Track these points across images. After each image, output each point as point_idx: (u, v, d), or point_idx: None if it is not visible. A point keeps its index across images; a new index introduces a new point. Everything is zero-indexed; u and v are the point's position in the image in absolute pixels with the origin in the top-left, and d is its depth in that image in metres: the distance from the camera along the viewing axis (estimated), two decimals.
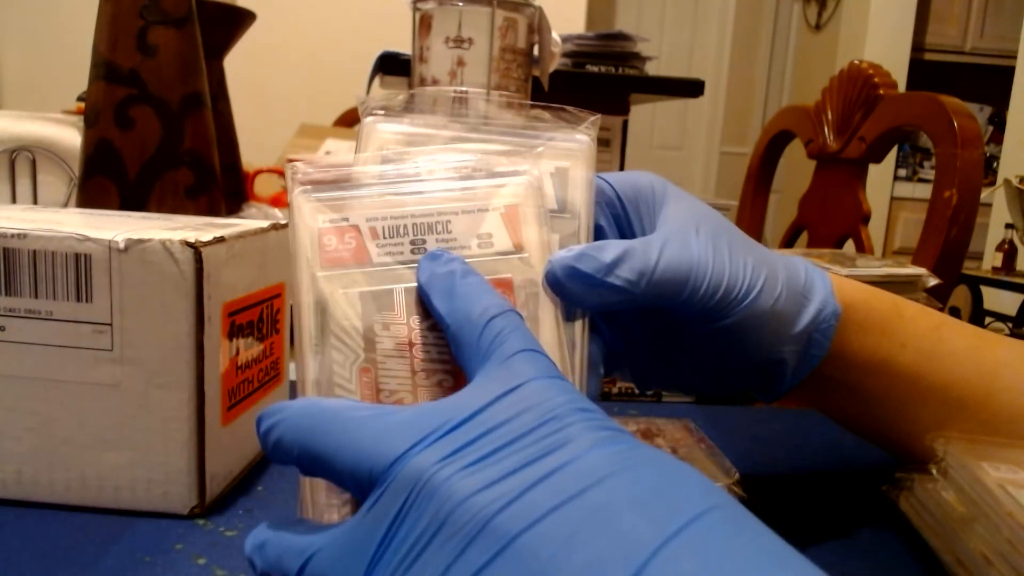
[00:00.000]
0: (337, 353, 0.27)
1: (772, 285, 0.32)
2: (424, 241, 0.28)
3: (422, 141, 0.31)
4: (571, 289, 0.29)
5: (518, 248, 0.29)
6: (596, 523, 0.19)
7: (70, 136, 0.74)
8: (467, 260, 0.28)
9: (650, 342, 0.36)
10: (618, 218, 0.34)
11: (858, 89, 0.96)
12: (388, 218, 0.28)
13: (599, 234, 0.33)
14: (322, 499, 0.26)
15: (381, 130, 0.31)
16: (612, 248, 0.30)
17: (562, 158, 0.31)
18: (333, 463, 0.23)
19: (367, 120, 0.31)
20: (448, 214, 0.29)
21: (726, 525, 0.19)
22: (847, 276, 0.57)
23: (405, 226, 0.28)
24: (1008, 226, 2.32)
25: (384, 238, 0.28)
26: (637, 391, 0.56)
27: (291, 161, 0.29)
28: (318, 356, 0.27)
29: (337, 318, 0.27)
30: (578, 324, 0.30)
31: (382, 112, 0.31)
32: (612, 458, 0.20)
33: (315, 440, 0.23)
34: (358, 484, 0.22)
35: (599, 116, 0.32)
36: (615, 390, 0.56)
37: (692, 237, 0.31)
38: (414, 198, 0.29)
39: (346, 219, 0.28)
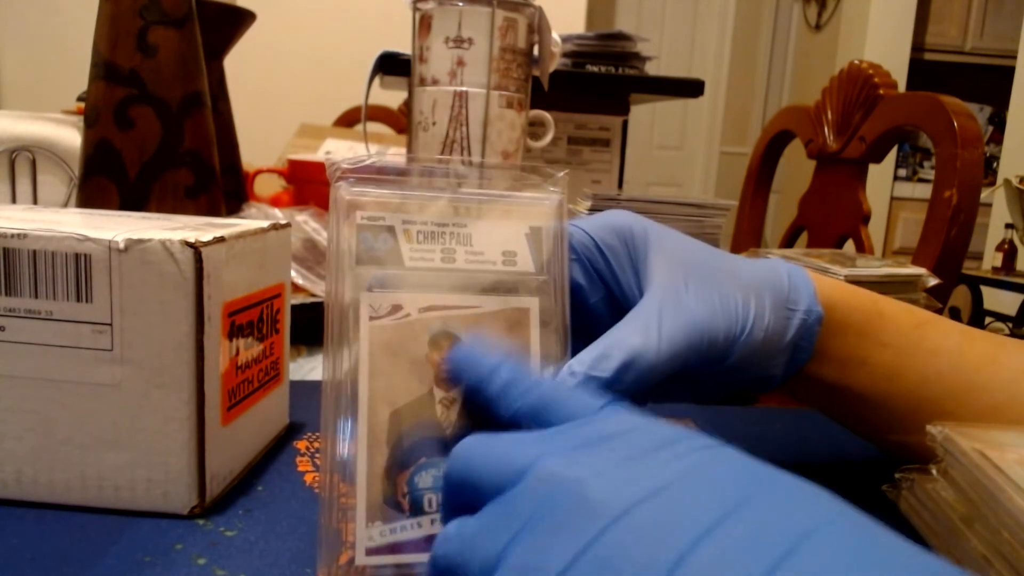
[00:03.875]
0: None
1: (761, 313, 0.34)
2: (454, 251, 0.31)
3: (395, 205, 0.31)
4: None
5: (539, 270, 0.31)
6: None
7: (70, 136, 0.74)
8: (491, 273, 0.31)
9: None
10: (600, 272, 0.34)
11: (858, 89, 0.96)
12: (423, 224, 0.31)
13: (578, 293, 0.34)
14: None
15: (353, 194, 0.31)
16: (614, 358, 0.30)
17: (535, 218, 0.32)
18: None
19: (337, 185, 0.31)
20: (478, 230, 0.31)
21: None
22: (847, 276, 0.57)
23: (437, 234, 0.31)
24: (1008, 226, 2.32)
25: (417, 243, 0.30)
26: None
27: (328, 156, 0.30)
28: (343, 350, 0.28)
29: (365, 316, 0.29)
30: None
31: (353, 176, 0.31)
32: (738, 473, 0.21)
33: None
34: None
35: (567, 172, 0.33)
36: None
37: (684, 297, 0.32)
38: (448, 208, 0.31)
39: (383, 219, 0.30)
